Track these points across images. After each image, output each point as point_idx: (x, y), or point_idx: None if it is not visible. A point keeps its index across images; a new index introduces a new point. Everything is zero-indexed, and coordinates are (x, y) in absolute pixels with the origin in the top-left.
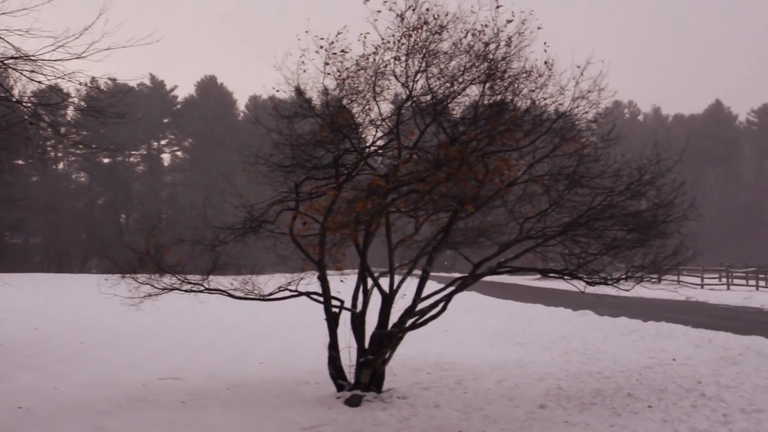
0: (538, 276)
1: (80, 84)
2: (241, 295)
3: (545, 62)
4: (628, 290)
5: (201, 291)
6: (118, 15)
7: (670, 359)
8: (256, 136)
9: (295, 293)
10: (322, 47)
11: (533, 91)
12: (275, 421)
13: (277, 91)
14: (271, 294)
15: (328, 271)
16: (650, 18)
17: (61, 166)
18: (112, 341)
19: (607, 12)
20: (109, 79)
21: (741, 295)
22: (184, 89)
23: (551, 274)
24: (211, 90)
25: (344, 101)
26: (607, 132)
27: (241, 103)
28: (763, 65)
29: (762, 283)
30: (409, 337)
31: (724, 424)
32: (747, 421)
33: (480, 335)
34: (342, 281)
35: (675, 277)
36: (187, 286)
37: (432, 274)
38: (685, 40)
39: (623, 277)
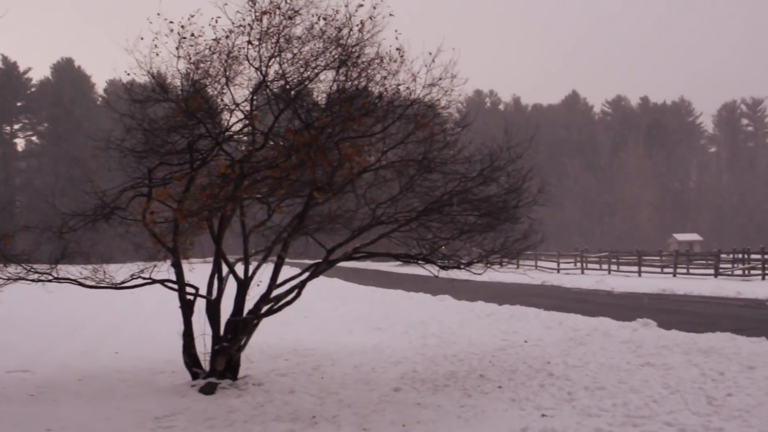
0: (401, 262)
1: None
2: (92, 283)
3: (397, 49)
4: (480, 274)
5: (49, 280)
6: None
7: (522, 341)
8: (113, 121)
9: (149, 281)
10: (173, 30)
11: (386, 77)
12: (127, 411)
13: (129, 75)
14: (123, 282)
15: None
16: (509, 7)
17: None
18: None
19: (466, 2)
20: None
21: (594, 278)
22: (39, 71)
23: (407, 260)
24: (67, 73)
25: (198, 85)
26: (460, 118)
27: (100, 87)
28: (617, 57)
29: (614, 267)
30: (269, 324)
31: (568, 401)
32: (590, 398)
33: (340, 321)
34: (191, 271)
35: (533, 262)
36: (34, 276)
37: (290, 260)
38: (544, 32)
39: (475, 260)
